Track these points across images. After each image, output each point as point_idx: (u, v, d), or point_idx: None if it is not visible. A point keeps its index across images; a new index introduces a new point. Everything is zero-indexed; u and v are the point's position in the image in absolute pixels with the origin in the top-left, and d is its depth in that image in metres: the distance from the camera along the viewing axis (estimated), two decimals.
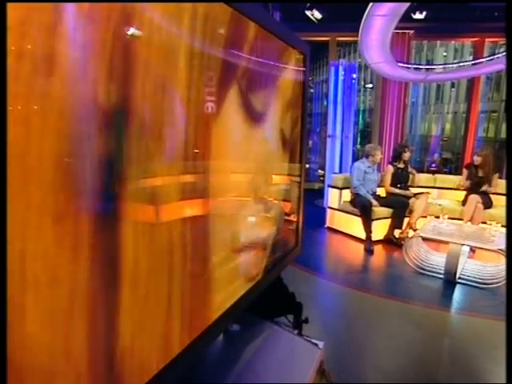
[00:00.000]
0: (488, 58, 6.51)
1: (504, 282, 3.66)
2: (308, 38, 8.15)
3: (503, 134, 22.11)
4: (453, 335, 3.05)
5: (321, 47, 8.54)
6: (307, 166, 13.24)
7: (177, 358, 1.16)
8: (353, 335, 2.98)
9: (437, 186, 5.86)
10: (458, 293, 3.77)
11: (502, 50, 7.16)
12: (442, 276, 4.02)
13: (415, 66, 6.45)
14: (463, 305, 3.56)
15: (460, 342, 2.91)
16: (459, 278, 3.96)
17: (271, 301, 2.66)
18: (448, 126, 25.25)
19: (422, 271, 4.15)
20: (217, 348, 2.12)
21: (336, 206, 5.63)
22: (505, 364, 1.36)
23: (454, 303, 3.58)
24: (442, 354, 2.79)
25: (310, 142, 15.59)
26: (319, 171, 10.56)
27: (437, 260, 4.32)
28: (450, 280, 3.93)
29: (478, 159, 5.22)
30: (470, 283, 3.88)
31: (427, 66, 6.89)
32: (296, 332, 2.73)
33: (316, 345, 2.54)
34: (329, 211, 5.79)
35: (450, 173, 13.34)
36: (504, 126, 22.58)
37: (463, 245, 3.94)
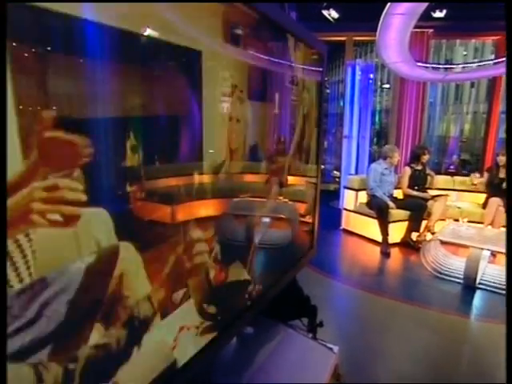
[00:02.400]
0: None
1: None
2: (324, 37, 8.09)
3: None
4: (471, 342, 2.95)
5: (337, 47, 8.43)
6: (322, 166, 13.13)
7: (191, 360, 1.13)
8: (368, 340, 2.91)
9: (456, 188, 5.71)
10: (477, 299, 3.65)
11: None
12: (460, 281, 3.91)
13: (434, 66, 6.31)
14: (483, 311, 3.45)
15: (478, 350, 2.82)
16: (479, 283, 3.85)
17: (286, 303, 2.61)
18: (467, 127, 24.75)
19: (439, 275, 4.04)
20: (230, 350, 2.09)
21: (352, 208, 5.55)
22: None
23: (473, 309, 3.47)
24: (459, 361, 2.70)
25: (326, 143, 15.45)
26: (334, 172, 10.46)
27: (455, 264, 4.20)
28: (469, 285, 3.82)
29: (502, 159, 5.05)
30: (490, 289, 3.76)
31: (446, 66, 6.73)
32: (310, 336, 2.69)
33: (331, 349, 2.49)
34: (344, 213, 5.71)
35: (468, 175, 13.06)
36: None
37: (483, 249, 3.82)
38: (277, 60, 1.64)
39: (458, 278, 3.95)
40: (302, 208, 2.37)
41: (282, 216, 1.97)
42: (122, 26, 0.87)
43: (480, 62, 7.49)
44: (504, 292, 3.69)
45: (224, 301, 1.31)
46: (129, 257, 0.94)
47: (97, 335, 0.88)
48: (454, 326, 3.11)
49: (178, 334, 1.08)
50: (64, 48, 0.77)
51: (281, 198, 1.84)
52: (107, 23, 0.81)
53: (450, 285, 3.89)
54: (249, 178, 1.46)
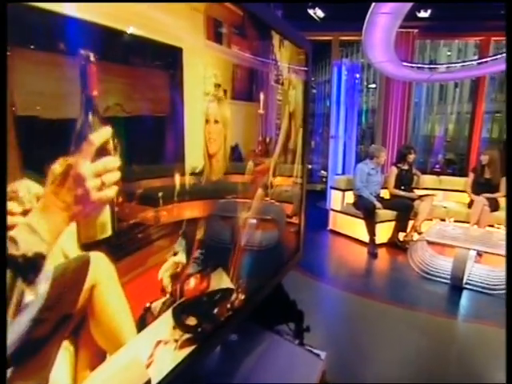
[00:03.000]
0: (494, 58, 6.38)
1: None
2: (310, 37, 8.05)
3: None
4: (460, 344, 2.94)
5: (323, 47, 8.40)
6: (309, 166, 13.14)
7: (168, 376, 1.06)
8: (356, 344, 2.86)
9: (442, 187, 5.73)
10: (464, 299, 3.65)
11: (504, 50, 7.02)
12: (448, 281, 3.90)
13: (419, 66, 6.32)
14: (470, 312, 3.44)
15: (467, 352, 2.80)
16: (466, 283, 3.84)
17: (271, 309, 2.55)
18: (451, 127, 25.08)
19: (427, 276, 4.03)
20: (213, 359, 2.01)
21: (339, 208, 5.51)
22: None
23: (460, 310, 3.46)
24: (448, 364, 2.67)
25: (313, 143, 15.46)
26: (322, 172, 10.46)
27: (442, 264, 4.20)
28: (456, 285, 3.81)
29: (484, 158, 5.09)
30: (477, 289, 3.76)
31: (432, 66, 6.75)
32: (297, 341, 2.63)
33: (318, 355, 2.43)
34: (331, 213, 5.67)
35: (453, 174, 13.20)
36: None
37: (470, 249, 3.82)
38: (262, 58, 1.57)
39: (445, 278, 3.95)
40: (288, 209, 2.31)
41: (268, 217, 1.91)
42: (94, 20, 0.79)
43: (465, 62, 7.54)
44: (491, 292, 3.69)
45: (205, 311, 1.24)
46: (100, 267, 0.86)
47: (64, 354, 0.81)
48: (443, 328, 3.09)
49: (155, 350, 1.00)
50: (32, 43, 0.69)
51: (266, 199, 1.78)
52: (77, 16, 0.74)
53: (437, 285, 3.88)
54: (232, 179, 1.38)
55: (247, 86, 1.49)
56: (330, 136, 6.82)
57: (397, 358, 2.67)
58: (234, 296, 1.39)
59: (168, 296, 1.05)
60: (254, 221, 1.59)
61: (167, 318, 1.05)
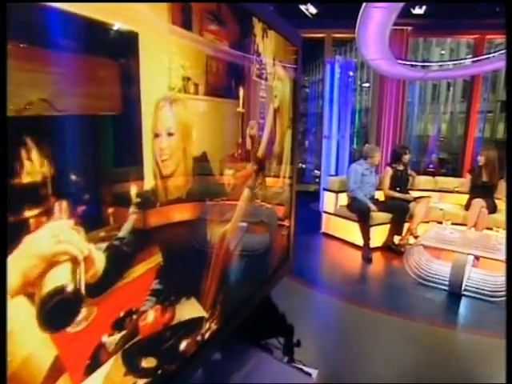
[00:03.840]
0: (489, 56, 6.24)
1: None
2: (303, 34, 7.87)
3: (499, 135, 22.01)
4: (459, 357, 2.76)
5: (317, 45, 8.22)
6: (303, 166, 12.97)
7: None
8: (349, 358, 2.69)
9: (437, 188, 5.57)
10: (464, 307, 3.48)
11: (498, 48, 6.88)
12: (445, 287, 3.74)
13: (414, 64, 6.16)
14: (471, 321, 3.27)
15: (468, 365, 2.63)
16: (464, 289, 3.68)
17: (258, 323, 2.36)
18: (444, 127, 25.08)
19: (423, 282, 3.86)
20: (194, 380, 1.82)
21: (332, 211, 5.33)
22: None
23: (460, 319, 3.29)
24: (447, 378, 2.50)
25: (307, 143, 15.33)
26: (315, 172, 10.32)
27: (439, 269, 4.03)
28: (454, 292, 3.65)
29: (481, 159, 4.94)
30: (475, 295, 3.60)
31: (426, 63, 6.61)
32: (286, 358, 2.45)
33: (309, 374, 2.26)
34: (324, 216, 5.49)
35: (446, 174, 13.10)
36: (500, 127, 22.54)
37: (469, 254, 3.65)
38: (242, 49, 1.38)
39: (443, 284, 3.78)
40: (276, 213, 2.12)
41: (253, 223, 1.72)
42: None
43: (459, 60, 7.41)
44: (490, 299, 3.53)
45: (168, 348, 1.04)
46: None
47: None
48: (441, 340, 2.91)
49: None
50: None
51: (252, 203, 1.59)
52: None
53: (434, 292, 3.71)
54: (200, 193, 1.19)
55: (224, 81, 1.30)
56: (323, 136, 6.64)
57: (392, 373, 2.50)
58: (206, 325, 1.20)
59: (117, 336, 0.86)
60: (235, 233, 1.40)
61: (116, 363, 0.86)
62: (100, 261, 0.80)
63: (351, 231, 4.98)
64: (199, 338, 1.17)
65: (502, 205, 4.93)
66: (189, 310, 1.12)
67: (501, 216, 4.78)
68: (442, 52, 21.82)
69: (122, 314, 0.90)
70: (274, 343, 2.51)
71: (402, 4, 4.24)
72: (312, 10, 6.35)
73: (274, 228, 2.12)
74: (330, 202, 5.38)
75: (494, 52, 6.25)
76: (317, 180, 8.55)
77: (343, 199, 5.23)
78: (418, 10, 6.22)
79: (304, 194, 7.97)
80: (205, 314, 1.20)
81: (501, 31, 7.59)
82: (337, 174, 6.46)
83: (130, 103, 0.89)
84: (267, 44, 1.56)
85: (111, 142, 0.86)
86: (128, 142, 0.89)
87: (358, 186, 4.91)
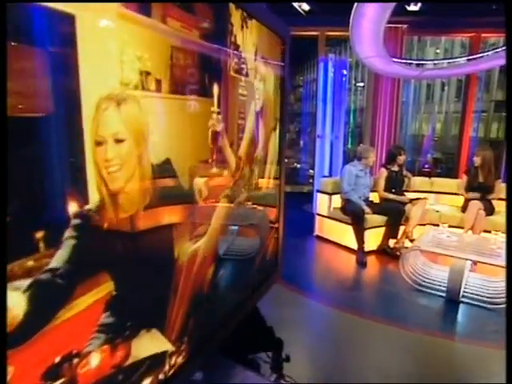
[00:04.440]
0: (484, 54, 6.11)
1: None
2: (296, 32, 7.72)
3: (493, 134, 22.06)
4: (457, 369, 2.61)
5: (311, 44, 8.04)
6: (297, 166, 12.84)
7: None
8: (343, 371, 2.53)
9: (434, 190, 5.43)
10: (462, 315, 3.34)
11: (491, 48, 6.74)
12: (443, 294, 3.59)
13: (409, 62, 6.02)
14: (469, 331, 3.12)
15: (466, 377, 2.49)
16: (462, 296, 3.53)
17: (245, 337, 2.20)
18: (438, 126, 25.11)
19: (420, 288, 3.71)
20: None
21: (325, 213, 5.17)
22: None
23: (458, 329, 3.15)
24: None
25: (302, 142, 15.26)
26: (310, 171, 10.21)
27: (436, 274, 3.89)
28: (452, 299, 3.50)
29: (477, 159, 4.80)
30: (474, 302, 3.45)
31: (422, 62, 6.47)
32: (275, 375, 2.29)
33: None
34: (318, 218, 5.33)
35: (441, 174, 13.02)
36: (494, 126, 22.58)
37: (467, 260, 3.51)
38: (216, 40, 1.21)
39: (440, 290, 3.64)
40: (260, 219, 1.97)
41: (235, 230, 1.56)
42: None
43: (455, 58, 7.30)
44: (489, 306, 3.39)
45: None
46: None
47: None
48: (439, 352, 2.76)
49: None
50: None
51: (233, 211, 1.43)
52: None
53: (431, 299, 3.56)
54: (164, 207, 1.02)
55: (195, 76, 1.14)
56: (316, 135, 6.48)
57: None
58: (172, 359, 1.03)
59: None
60: (209, 249, 1.24)
61: None
62: (20, 302, 0.64)
63: (345, 234, 4.83)
64: (162, 376, 1.00)
65: (499, 206, 4.80)
66: (148, 344, 0.96)
67: (498, 218, 4.65)
68: (437, 51, 21.78)
69: (56, 361, 0.73)
70: (262, 357, 2.35)
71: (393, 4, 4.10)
72: (305, 6, 6.18)
73: (258, 234, 1.95)
74: (323, 203, 5.22)
75: (491, 50, 6.11)
76: (311, 180, 8.41)
77: (337, 201, 5.07)
78: (413, 7, 6.07)
79: (297, 195, 7.83)
80: (170, 347, 1.03)
81: (497, 29, 7.48)
82: (330, 175, 6.31)
83: (64, 102, 0.72)
84: (248, 35, 1.40)
85: (38, 149, 0.69)
86: (60, 150, 0.72)
87: (351, 187, 4.76)
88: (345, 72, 6.48)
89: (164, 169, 0.99)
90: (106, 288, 0.85)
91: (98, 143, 0.77)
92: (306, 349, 2.76)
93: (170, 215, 1.03)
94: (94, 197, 0.79)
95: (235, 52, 1.31)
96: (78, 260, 0.77)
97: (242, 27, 1.34)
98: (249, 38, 1.41)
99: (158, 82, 0.98)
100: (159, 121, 0.99)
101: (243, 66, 1.37)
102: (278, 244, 2.37)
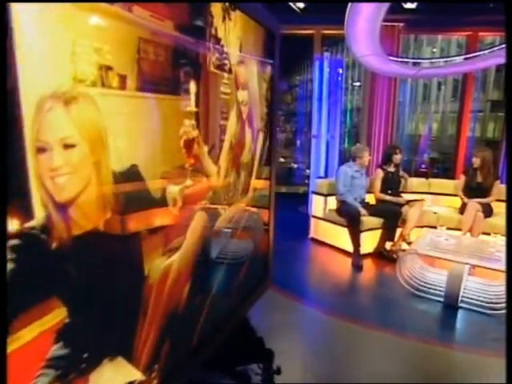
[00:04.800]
0: (481, 53, 6.02)
1: None
2: (291, 30, 7.60)
3: (489, 134, 22.06)
4: (458, 381, 2.51)
5: (308, 44, 7.90)
6: (294, 166, 12.73)
7: None
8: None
9: (431, 191, 5.32)
10: (461, 321, 3.24)
11: (488, 47, 6.64)
12: (440, 299, 3.49)
13: (406, 61, 5.92)
14: (468, 338, 3.01)
15: None
16: (461, 301, 3.43)
17: (233, 348, 2.09)
18: (435, 126, 25.09)
19: (417, 292, 3.60)
20: None
21: (321, 215, 5.06)
22: None
23: (457, 336, 3.04)
24: None
25: (298, 142, 15.19)
26: (307, 171, 10.11)
27: (434, 278, 3.79)
28: (450, 304, 3.40)
29: (476, 160, 4.70)
30: (473, 308, 3.35)
31: (419, 60, 6.38)
32: None
33: None
34: (313, 220, 5.22)
35: (438, 174, 12.95)
36: (490, 126, 22.58)
37: (466, 264, 3.41)
38: (193, 33, 1.10)
39: (438, 295, 3.53)
40: (248, 223, 1.86)
41: (219, 239, 1.45)
42: None
43: (454, 56, 7.21)
44: (489, 311, 3.29)
45: None
46: None
47: None
48: (437, 360, 2.66)
49: None
50: None
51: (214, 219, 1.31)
52: None
53: (429, 304, 3.46)
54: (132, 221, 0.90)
55: (167, 72, 1.02)
56: (311, 135, 6.37)
57: None
58: None
59: None
60: (185, 264, 1.12)
61: None
62: None
63: (341, 237, 4.72)
64: None
65: (497, 208, 4.71)
66: (113, 375, 0.84)
67: (497, 220, 4.55)
68: (434, 50, 21.74)
69: None
70: (253, 369, 2.24)
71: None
72: (300, 4, 6.07)
73: (244, 243, 1.84)
74: (318, 205, 5.11)
75: (489, 49, 6.02)
76: (307, 181, 8.31)
77: (332, 203, 4.97)
78: (409, 5, 5.97)
79: (293, 196, 7.72)
80: (139, 376, 0.92)
81: (494, 28, 7.41)
82: (326, 176, 6.21)
83: None
84: (231, 28, 1.28)
85: None
86: None
87: (347, 189, 4.66)
88: (340, 71, 6.37)
89: (130, 176, 0.87)
90: (56, 316, 0.73)
91: (41, 149, 0.66)
92: (299, 359, 2.65)
93: (137, 228, 0.92)
94: (38, 212, 0.67)
95: (216, 46, 1.20)
96: (20, 285, 0.65)
97: (224, 19, 1.23)
98: (232, 32, 1.30)
99: (123, 78, 0.86)
100: (124, 123, 0.88)
101: (225, 61, 1.25)
102: (268, 250, 2.26)
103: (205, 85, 1.17)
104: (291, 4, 6.09)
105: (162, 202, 0.99)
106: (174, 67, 1.03)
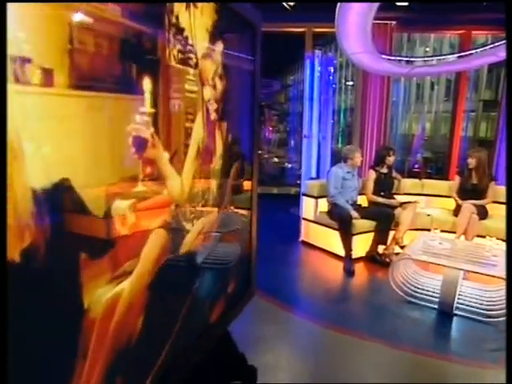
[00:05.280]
0: (475, 51, 5.90)
1: None
2: (281, 28, 7.46)
3: (482, 133, 22.11)
4: None
5: (301, 44, 7.74)
6: (288, 166, 12.59)
7: None
8: None
9: (425, 192, 5.19)
10: (456, 330, 3.11)
11: (479, 46, 6.52)
12: (435, 306, 3.36)
13: (399, 59, 5.78)
14: (464, 349, 2.86)
15: None
16: (456, 307, 3.30)
17: (212, 365, 1.93)
18: (428, 126, 25.11)
19: (410, 299, 3.47)
20: None
21: (311, 218, 4.92)
22: None
23: (452, 347, 2.90)
24: None
25: (292, 142, 15.09)
26: (300, 171, 9.99)
27: (428, 283, 3.66)
28: (445, 311, 3.27)
29: (472, 161, 4.58)
30: (469, 315, 3.22)
31: (412, 59, 6.26)
32: None
33: None
34: (303, 223, 5.07)
35: (432, 174, 12.86)
36: (482, 126, 22.64)
37: (461, 270, 3.28)
38: (146, 20, 0.94)
39: (432, 302, 3.40)
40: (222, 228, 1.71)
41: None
42: None
43: (445, 55, 7.10)
44: (485, 319, 3.16)
45: None
46: None
47: None
48: (432, 374, 2.52)
49: None
50: None
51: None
52: None
53: (423, 312, 3.32)
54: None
55: (113, 67, 0.86)
56: (302, 136, 6.23)
57: None
58: None
59: None
60: (135, 294, 0.97)
61: None
62: None
63: (332, 240, 4.58)
64: None
65: (492, 210, 4.59)
66: None
67: (492, 222, 4.44)
68: (427, 49, 21.72)
69: None
70: None
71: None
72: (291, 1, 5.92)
73: (222, 253, 1.69)
74: (309, 207, 4.96)
75: (482, 47, 5.91)
76: (299, 181, 8.17)
77: (324, 205, 4.82)
78: (402, 2, 5.84)
79: (284, 198, 7.58)
80: None
81: (487, 26, 7.32)
82: (318, 177, 6.06)
83: None
84: (197, 18, 1.12)
85: None
86: None
87: (338, 191, 4.52)
88: (332, 69, 6.23)
89: (58, 193, 0.71)
90: None
91: None
92: (285, 374, 2.50)
93: (72, 253, 0.76)
94: None
95: (178, 37, 1.04)
96: None
97: (188, 7, 1.07)
98: (199, 21, 1.14)
99: (47, 72, 0.70)
100: (53, 127, 0.72)
101: (190, 54, 1.09)
102: (251, 258, 2.10)
103: (164, 82, 1.01)
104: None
105: (105, 221, 0.83)
106: (121, 61, 0.87)
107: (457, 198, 4.66)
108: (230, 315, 1.90)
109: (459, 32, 7.53)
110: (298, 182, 7.89)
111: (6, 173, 0.57)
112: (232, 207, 1.62)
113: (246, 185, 1.83)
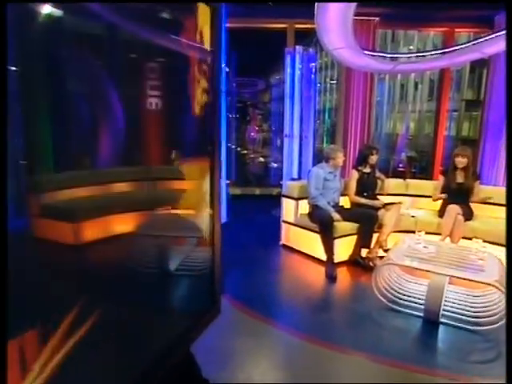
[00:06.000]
0: (459, 47, 5.77)
1: (499, 318, 2.82)
2: (262, 24, 7.25)
3: (464, 132, 22.30)
4: None
5: (284, 43, 7.51)
6: (275, 165, 12.35)
7: None
8: None
9: (409, 193, 5.03)
10: (442, 341, 2.91)
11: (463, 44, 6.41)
12: (420, 313, 3.17)
13: (383, 55, 5.60)
14: (451, 361, 2.66)
15: None
16: (442, 314, 3.11)
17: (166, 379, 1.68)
18: (412, 125, 25.26)
19: (394, 306, 3.27)
20: None
21: (292, 220, 4.70)
22: None
23: (439, 359, 2.71)
24: None
25: (278, 141, 14.89)
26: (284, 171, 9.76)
27: (413, 289, 3.47)
28: (431, 320, 3.08)
29: (463, 161, 4.39)
30: (456, 323, 3.03)
31: (396, 55, 6.10)
32: None
33: None
34: (284, 226, 4.84)
35: (416, 174, 12.83)
36: (465, 125, 22.86)
37: (447, 276, 3.09)
38: None
39: (417, 309, 3.21)
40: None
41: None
42: None
43: (429, 51, 6.97)
44: (472, 327, 2.97)
45: None
46: None
47: None
48: None
49: None
50: None
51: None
52: None
53: (407, 320, 3.13)
54: None
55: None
56: (284, 135, 6.02)
57: None
58: None
59: None
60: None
61: None
62: None
63: (313, 243, 4.36)
64: None
65: (478, 211, 4.45)
66: None
67: (477, 224, 4.29)
68: (411, 47, 21.79)
69: None
70: None
71: None
72: None
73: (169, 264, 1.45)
74: (289, 209, 4.74)
75: (467, 43, 5.77)
76: (281, 182, 7.95)
77: (304, 207, 4.61)
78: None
79: (266, 199, 7.36)
80: None
81: (470, 24, 7.24)
82: (300, 178, 5.86)
83: None
84: None
85: None
86: None
87: (319, 192, 4.31)
88: (313, 67, 6.03)
89: None
90: None
91: None
92: None
93: None
94: None
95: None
96: None
97: None
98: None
99: None
100: None
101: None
102: (214, 270, 1.87)
103: (84, 72, 0.77)
104: None
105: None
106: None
107: (441, 196, 4.51)
108: (191, 335, 1.67)
109: (442, 29, 7.45)
110: (281, 182, 7.68)
111: (6, 173, 0.60)
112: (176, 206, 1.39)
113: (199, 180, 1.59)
